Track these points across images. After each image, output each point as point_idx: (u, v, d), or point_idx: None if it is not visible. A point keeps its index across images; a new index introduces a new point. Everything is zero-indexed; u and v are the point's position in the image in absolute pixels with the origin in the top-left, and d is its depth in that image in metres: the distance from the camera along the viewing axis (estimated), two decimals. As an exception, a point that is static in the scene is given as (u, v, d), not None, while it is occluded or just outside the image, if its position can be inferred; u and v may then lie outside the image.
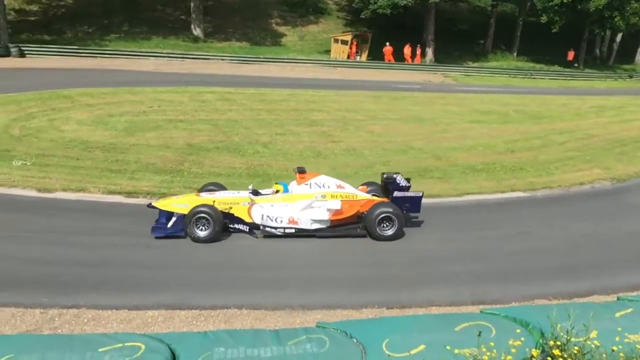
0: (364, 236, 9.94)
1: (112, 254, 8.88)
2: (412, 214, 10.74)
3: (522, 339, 5.48)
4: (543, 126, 21.86)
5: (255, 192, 10.10)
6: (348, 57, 38.85)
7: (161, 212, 9.85)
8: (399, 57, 39.45)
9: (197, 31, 38.74)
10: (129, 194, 11.69)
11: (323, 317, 7.21)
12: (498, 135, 19.61)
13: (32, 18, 36.96)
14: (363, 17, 39.06)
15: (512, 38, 45.72)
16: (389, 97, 26.23)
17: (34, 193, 11.45)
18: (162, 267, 8.56)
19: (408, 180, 10.85)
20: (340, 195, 10.05)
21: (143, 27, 38.47)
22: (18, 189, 11.62)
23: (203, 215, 9.28)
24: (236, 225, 9.80)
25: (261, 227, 9.77)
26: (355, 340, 5.67)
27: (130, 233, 9.66)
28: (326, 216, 9.81)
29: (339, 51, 39.29)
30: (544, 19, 41.42)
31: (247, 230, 9.79)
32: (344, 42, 39.02)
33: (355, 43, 39.15)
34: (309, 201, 9.86)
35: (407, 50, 39.60)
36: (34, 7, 37.95)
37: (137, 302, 7.42)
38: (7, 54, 29.91)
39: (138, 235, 9.52)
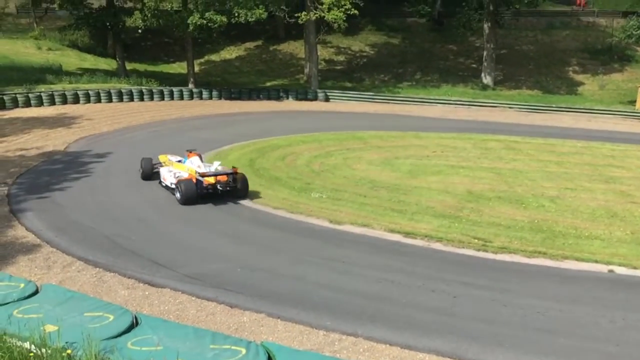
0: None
1: (390, 290, 9.27)
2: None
3: None
4: None
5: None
6: (658, 108, 34.20)
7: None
8: None
9: (486, 79, 38.75)
10: (407, 234, 12.12)
11: None
12: None
13: (338, 67, 41.72)
14: (681, 64, 34.10)
15: None
16: None
17: (326, 223, 12.72)
18: (440, 313, 8.59)
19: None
20: (189, 169, 14.26)
21: (434, 75, 40.12)
22: (313, 218, 13.06)
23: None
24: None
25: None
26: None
27: (407, 272, 9.99)
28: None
29: (647, 102, 34.87)
30: None
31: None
32: (654, 92, 34.49)
33: (668, 93, 34.30)
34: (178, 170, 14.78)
35: None
36: (341, 58, 42.82)
37: (410, 342, 7.57)
38: (315, 98, 34.30)
39: (418, 277, 9.79)
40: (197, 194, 13.74)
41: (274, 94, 34.38)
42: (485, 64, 38.97)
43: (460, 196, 15.08)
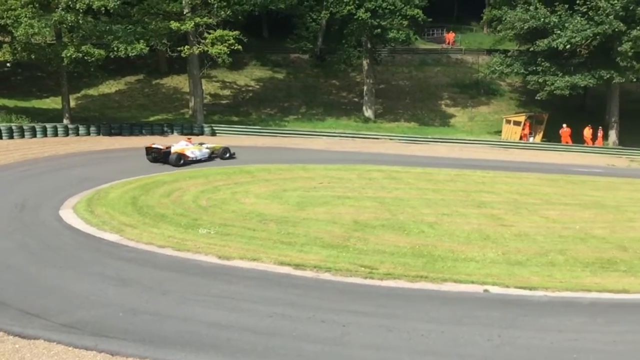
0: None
1: (281, 324, 9.22)
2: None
3: None
4: None
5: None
6: (520, 138, 37.55)
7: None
8: (577, 139, 37.16)
9: (368, 112, 40.47)
10: (297, 265, 12.19)
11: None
12: (700, 228, 17.22)
13: (224, 101, 41.62)
14: (538, 98, 37.80)
15: None
16: (566, 181, 24.63)
17: (214, 259, 12.47)
18: (330, 344, 8.65)
19: None
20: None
21: (319, 108, 41.23)
22: (201, 254, 12.75)
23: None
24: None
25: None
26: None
27: (297, 305, 10.01)
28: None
29: (511, 132, 38.19)
30: None
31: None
32: (517, 123, 37.89)
33: (528, 124, 37.83)
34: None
35: (587, 132, 37.18)
36: (227, 92, 42.79)
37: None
38: (201, 132, 33.76)
39: (308, 308, 9.84)
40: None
41: (158, 129, 33.40)
42: (366, 98, 40.74)
43: (347, 226, 15.46)
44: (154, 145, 24.04)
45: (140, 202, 17.14)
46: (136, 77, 42.79)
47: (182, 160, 23.52)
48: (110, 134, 31.67)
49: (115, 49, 29.75)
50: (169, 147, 23.69)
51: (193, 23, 31.73)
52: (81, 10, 28.53)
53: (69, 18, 28.01)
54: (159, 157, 23.53)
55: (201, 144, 25.66)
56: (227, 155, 25.63)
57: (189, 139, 26.14)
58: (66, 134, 30.75)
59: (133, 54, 30.19)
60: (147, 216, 15.64)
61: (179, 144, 24.40)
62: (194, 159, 24.23)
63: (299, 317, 9.52)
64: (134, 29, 30.35)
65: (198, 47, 32.63)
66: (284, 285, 11.13)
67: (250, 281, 11.27)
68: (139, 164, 23.56)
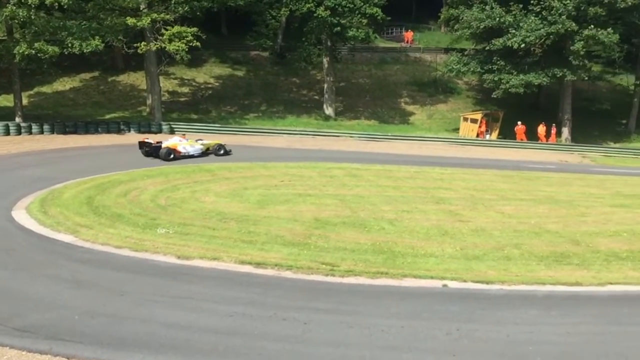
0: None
1: (242, 323, 9.16)
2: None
3: None
4: (700, 213, 19.66)
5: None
6: (477, 135, 38.34)
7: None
8: (532, 136, 38.17)
9: (328, 110, 40.58)
10: (258, 264, 12.12)
11: None
12: (646, 221, 17.94)
13: (183, 99, 41.03)
14: (494, 96, 38.64)
15: (659, 117, 42.48)
16: (520, 177, 25.27)
17: (173, 259, 12.29)
18: (291, 342, 8.64)
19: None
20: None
21: (280, 106, 41.10)
22: (160, 255, 12.54)
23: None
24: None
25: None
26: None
27: (259, 303, 9.97)
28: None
29: (468, 129, 38.94)
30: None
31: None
32: (474, 121, 38.66)
33: (484, 121, 38.64)
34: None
35: (541, 129, 38.22)
36: (185, 89, 42.20)
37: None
38: (159, 130, 33.23)
39: (269, 307, 9.81)
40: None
41: (114, 127, 32.68)
42: (326, 96, 40.83)
43: (308, 223, 15.48)
44: (146, 140, 25.22)
45: (96, 202, 16.74)
46: (91, 74, 41.75)
47: (171, 155, 24.31)
48: (64, 133, 30.83)
49: (70, 45, 29.00)
50: (159, 142, 24.93)
51: (150, 19, 31.17)
52: (33, 6, 27.68)
53: (20, 13, 27.16)
54: (151, 151, 24.57)
55: (198, 140, 26.54)
56: (222, 152, 26.17)
57: (183, 135, 27.38)
58: (18, 132, 29.83)
59: (88, 51, 29.53)
60: (103, 216, 15.29)
61: (173, 139, 25.65)
62: (186, 154, 24.93)
63: (260, 316, 9.48)
64: (88, 24, 29.65)
65: (155, 44, 32.08)
66: (245, 284, 11.06)
67: (210, 281, 11.15)
68: (95, 163, 23.05)
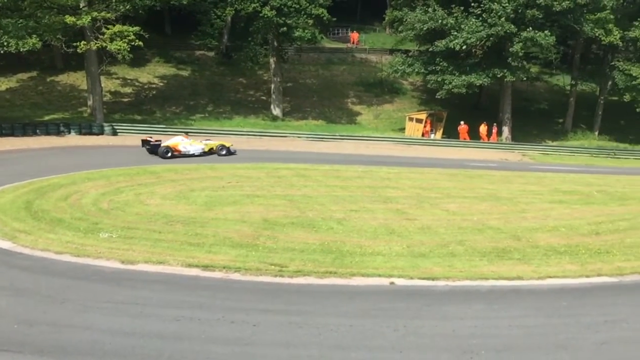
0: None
1: (188, 328, 9.02)
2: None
3: None
4: (629, 208, 20.71)
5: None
6: (422, 135, 39.08)
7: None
8: (474, 135, 39.25)
9: (276, 110, 40.45)
10: (205, 267, 11.97)
11: None
12: (581, 217, 18.75)
13: (126, 99, 40.01)
14: (438, 97, 39.50)
15: (592, 117, 44.46)
16: (464, 175, 25.94)
17: (117, 264, 11.97)
18: (240, 344, 8.57)
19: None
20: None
21: (226, 107, 40.67)
22: (103, 260, 12.19)
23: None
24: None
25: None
26: None
27: (206, 307, 9.83)
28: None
29: (414, 129, 39.65)
30: (627, 97, 40.19)
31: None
32: (419, 121, 39.40)
33: (429, 121, 39.45)
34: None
35: (482, 128, 39.34)
36: (128, 90, 41.16)
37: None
38: (101, 132, 32.26)
39: (217, 310, 9.70)
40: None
41: (54, 129, 31.47)
42: (273, 96, 40.68)
43: (257, 224, 15.39)
44: (147, 138, 26.36)
45: (35, 206, 16.11)
46: (29, 74, 40.15)
47: (169, 154, 25.18)
48: (0, 135, 29.50)
49: (5, 44, 27.86)
50: (158, 141, 25.83)
51: (90, 17, 30.20)
52: (-34, 3, 26.38)
53: (-49, 11, 25.82)
54: (152, 149, 25.52)
55: (204, 140, 27.43)
56: (224, 152, 26.67)
57: (186, 134, 28.04)
58: (-51, 135, 28.33)
59: (25, 50, 28.45)
60: (43, 221, 14.73)
61: (175, 138, 26.39)
62: (186, 153, 25.71)
63: (208, 319, 9.36)
64: (25, 23, 28.53)
65: (96, 43, 31.11)
66: (192, 287, 10.90)
67: (156, 285, 10.93)
68: (34, 166, 22.15)
